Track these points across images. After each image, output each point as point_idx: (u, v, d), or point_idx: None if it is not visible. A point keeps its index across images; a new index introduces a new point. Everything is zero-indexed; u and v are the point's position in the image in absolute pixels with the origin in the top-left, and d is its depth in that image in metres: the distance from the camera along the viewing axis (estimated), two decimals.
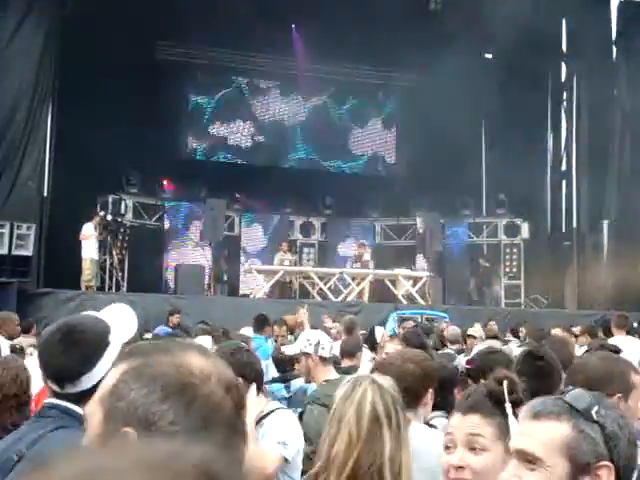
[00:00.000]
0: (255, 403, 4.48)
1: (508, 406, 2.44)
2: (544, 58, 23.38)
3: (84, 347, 2.61)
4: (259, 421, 4.47)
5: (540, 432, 1.91)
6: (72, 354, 2.59)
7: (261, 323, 10.75)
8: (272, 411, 4.63)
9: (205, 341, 8.18)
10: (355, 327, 10.29)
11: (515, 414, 2.42)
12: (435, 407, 4.00)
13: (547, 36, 23.21)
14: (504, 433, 2.44)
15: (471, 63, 22.29)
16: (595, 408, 1.90)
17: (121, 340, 2.70)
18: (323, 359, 5.81)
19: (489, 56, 24.54)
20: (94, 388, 2.04)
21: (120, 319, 2.81)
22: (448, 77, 20.65)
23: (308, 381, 5.93)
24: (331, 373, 5.83)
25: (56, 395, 2.62)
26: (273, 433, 4.43)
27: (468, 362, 5.12)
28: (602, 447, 1.85)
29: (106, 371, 2.09)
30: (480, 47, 23.61)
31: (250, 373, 4.31)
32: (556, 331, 11.35)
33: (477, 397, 2.55)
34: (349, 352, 7.30)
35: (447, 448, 2.53)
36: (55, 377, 2.61)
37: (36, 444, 2.49)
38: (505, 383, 2.49)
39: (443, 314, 16.88)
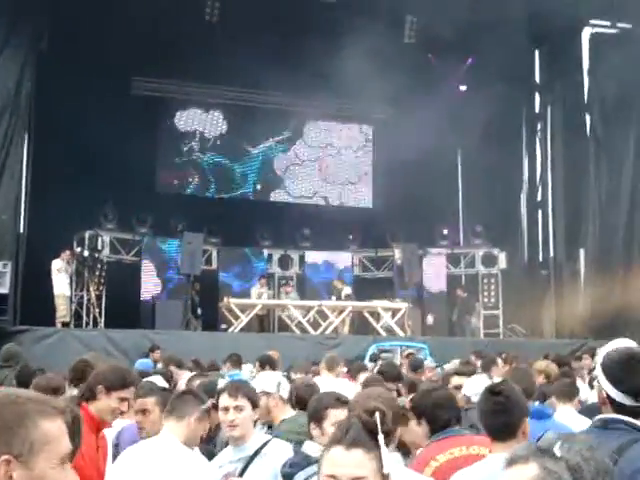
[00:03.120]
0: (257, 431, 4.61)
1: (381, 437, 2.51)
2: (518, 89, 23.59)
3: None
4: (258, 451, 4.52)
5: (514, 478, 1.99)
6: None
7: (236, 362, 10.87)
8: (268, 441, 4.80)
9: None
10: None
11: (386, 444, 2.49)
12: None
13: (520, 67, 23.45)
14: (380, 464, 2.49)
15: (446, 94, 22.47)
16: (557, 444, 1.96)
17: None
18: (282, 399, 5.94)
19: (464, 88, 24.72)
20: None
21: None
22: (423, 108, 20.77)
23: (266, 422, 5.94)
24: (288, 412, 5.91)
25: (618, 411, 3.29)
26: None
27: (411, 400, 5.16)
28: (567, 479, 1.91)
29: None
30: (455, 78, 23.80)
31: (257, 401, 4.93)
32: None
33: (357, 430, 2.54)
34: None
35: None
36: (634, 392, 3.25)
37: (624, 452, 3.08)
38: (377, 414, 2.56)
39: (422, 345, 16.86)
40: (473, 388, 6.54)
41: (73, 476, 1.99)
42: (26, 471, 1.89)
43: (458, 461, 4.25)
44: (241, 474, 4.65)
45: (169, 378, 8.40)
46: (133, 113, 21.78)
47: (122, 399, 4.83)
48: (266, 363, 10.78)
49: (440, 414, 4.62)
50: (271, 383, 5.98)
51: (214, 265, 23.39)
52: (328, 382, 7.69)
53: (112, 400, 4.77)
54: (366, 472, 2.49)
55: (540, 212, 23.78)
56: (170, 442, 4.44)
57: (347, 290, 21.41)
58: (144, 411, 5.02)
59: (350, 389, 6.37)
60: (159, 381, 7.07)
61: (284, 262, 24.30)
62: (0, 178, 18.20)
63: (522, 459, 1.99)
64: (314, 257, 24.82)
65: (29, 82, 19.15)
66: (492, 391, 4.15)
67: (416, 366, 10.41)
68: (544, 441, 2.02)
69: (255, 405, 4.86)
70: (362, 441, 2.53)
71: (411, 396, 5.88)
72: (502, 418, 3.98)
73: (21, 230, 19.22)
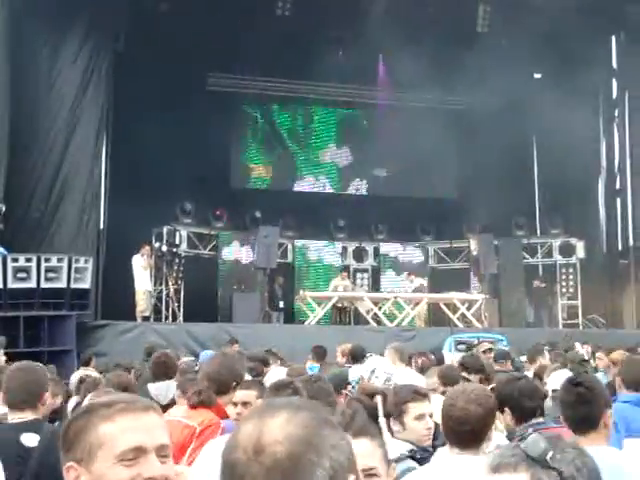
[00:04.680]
0: None
1: (382, 421, 2.47)
2: (594, 75, 23.17)
3: None
4: None
5: None
6: None
7: (319, 355, 10.79)
8: None
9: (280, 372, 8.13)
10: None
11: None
12: None
13: (597, 53, 23.04)
14: (385, 451, 2.48)
15: (521, 83, 22.20)
16: (550, 454, 1.83)
17: None
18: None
19: (538, 75, 24.39)
20: None
21: None
22: (498, 98, 20.59)
23: None
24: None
25: None
26: None
27: (492, 388, 5.10)
28: None
29: None
30: (529, 66, 23.48)
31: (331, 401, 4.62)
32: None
33: (362, 417, 2.54)
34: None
35: None
36: None
37: None
38: (379, 398, 2.51)
39: (500, 337, 16.72)
40: (559, 382, 6.36)
41: (131, 471, 1.99)
42: (88, 474, 1.98)
43: None
44: None
45: (260, 372, 8.47)
46: (209, 109, 22.00)
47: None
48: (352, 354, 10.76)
49: (527, 403, 4.56)
50: (366, 370, 5.92)
51: (290, 258, 23.52)
52: (407, 374, 7.58)
53: (235, 395, 4.91)
54: (375, 462, 2.49)
55: (619, 200, 23.35)
56: None
57: (417, 282, 21.41)
58: (245, 403, 5.08)
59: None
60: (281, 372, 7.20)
61: (359, 254, 24.31)
62: (80, 175, 18.60)
63: (510, 466, 1.84)
64: (389, 249, 24.80)
65: (106, 81, 19.50)
66: (574, 382, 4.11)
67: (501, 357, 10.20)
68: (533, 446, 1.86)
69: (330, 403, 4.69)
70: (368, 429, 2.52)
71: (492, 385, 5.80)
72: (585, 409, 3.92)
73: (101, 226, 19.62)
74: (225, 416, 5.06)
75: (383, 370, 6.09)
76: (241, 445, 1.42)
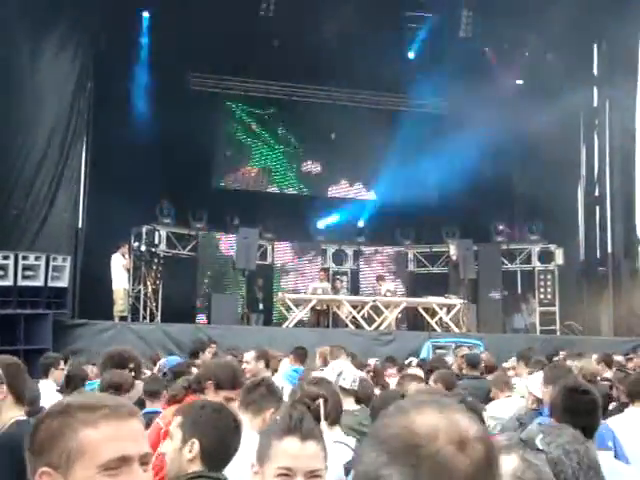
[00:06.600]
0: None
1: (324, 424, 2.57)
2: (576, 83, 23.27)
3: None
4: None
5: None
6: None
7: (302, 355, 10.74)
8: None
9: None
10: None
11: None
12: None
13: (578, 61, 23.15)
14: (325, 454, 2.58)
15: (502, 89, 22.28)
16: (539, 437, 2.02)
17: None
18: (342, 389, 5.69)
19: (520, 82, 24.47)
20: None
21: None
22: (479, 103, 20.62)
23: None
24: (348, 404, 5.67)
25: None
26: None
27: None
28: (548, 473, 1.95)
29: None
30: (511, 73, 23.57)
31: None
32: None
33: (309, 421, 2.59)
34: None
35: (284, 475, 2.53)
36: None
37: None
38: (321, 401, 2.63)
39: (478, 342, 16.76)
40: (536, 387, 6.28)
41: None
42: None
43: None
44: None
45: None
46: (190, 109, 21.92)
47: (228, 399, 4.87)
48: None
49: None
50: (333, 372, 5.89)
51: (269, 260, 23.49)
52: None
53: (219, 398, 4.82)
54: (320, 464, 2.56)
55: (598, 208, 23.45)
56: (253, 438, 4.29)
57: (385, 286, 21.44)
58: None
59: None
60: None
61: (338, 257, 24.31)
62: (60, 174, 18.49)
63: (504, 449, 1.95)
64: (368, 252, 24.81)
65: (88, 80, 19.42)
66: (581, 390, 4.01)
67: (474, 362, 10.08)
68: (527, 432, 2.05)
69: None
70: (315, 432, 2.58)
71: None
72: (594, 416, 3.89)
73: (80, 225, 19.52)
74: None
75: (350, 372, 6.12)
76: (442, 435, 1.32)
